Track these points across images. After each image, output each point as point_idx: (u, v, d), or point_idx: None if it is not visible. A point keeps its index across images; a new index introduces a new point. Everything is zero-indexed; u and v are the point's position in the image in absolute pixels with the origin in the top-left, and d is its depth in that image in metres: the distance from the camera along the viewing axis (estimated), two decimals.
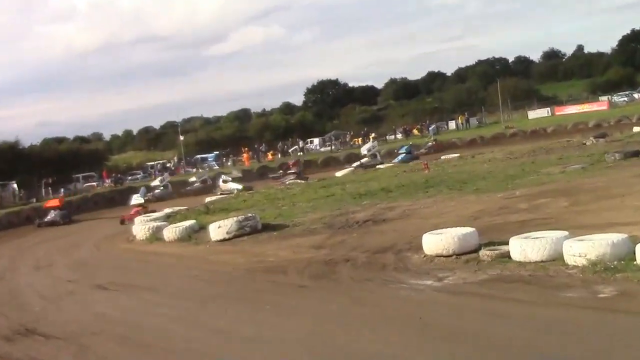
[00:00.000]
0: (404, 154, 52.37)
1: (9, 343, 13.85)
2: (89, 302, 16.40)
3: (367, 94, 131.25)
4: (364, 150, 54.73)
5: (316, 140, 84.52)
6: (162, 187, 51.87)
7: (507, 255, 12.40)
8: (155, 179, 62.70)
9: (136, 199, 38.04)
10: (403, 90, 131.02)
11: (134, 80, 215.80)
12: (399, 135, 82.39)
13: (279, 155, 74.00)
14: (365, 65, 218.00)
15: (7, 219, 43.52)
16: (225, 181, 47.77)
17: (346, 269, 14.68)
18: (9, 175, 59.07)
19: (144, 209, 35.79)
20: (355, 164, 51.19)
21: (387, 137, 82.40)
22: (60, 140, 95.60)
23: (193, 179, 55.15)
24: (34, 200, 52.33)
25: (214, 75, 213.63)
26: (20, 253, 28.66)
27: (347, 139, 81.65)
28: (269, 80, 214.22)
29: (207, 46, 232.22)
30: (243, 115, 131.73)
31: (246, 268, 16.54)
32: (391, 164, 47.57)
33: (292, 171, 49.46)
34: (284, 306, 12.78)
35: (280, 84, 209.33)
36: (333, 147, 75.90)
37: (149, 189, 50.32)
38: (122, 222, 34.30)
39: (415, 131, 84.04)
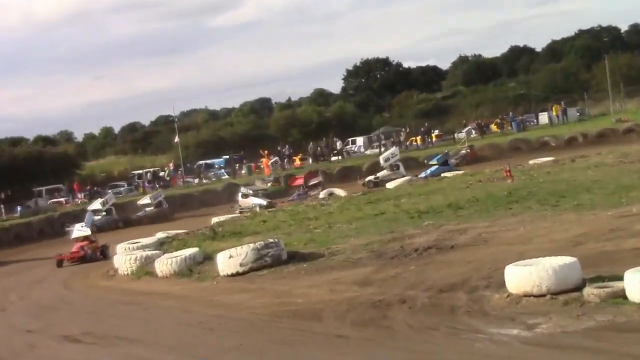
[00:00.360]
0: (436, 166, 51.63)
1: None
2: (56, 359, 16.54)
3: (429, 78, 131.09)
4: (381, 160, 54.58)
5: (360, 140, 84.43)
6: (103, 213, 50.71)
7: (621, 295, 12.26)
8: (144, 194, 62.88)
9: (79, 230, 35.93)
10: (476, 72, 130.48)
11: (115, 61, 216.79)
12: (472, 133, 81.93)
13: (310, 160, 74.07)
14: (425, 38, 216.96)
15: None
16: (245, 195, 47.74)
17: (402, 313, 14.64)
18: None
19: (90, 243, 35.32)
20: (368, 179, 52.26)
21: (456, 134, 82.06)
22: (15, 142, 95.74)
23: (145, 200, 54.98)
24: None
25: (222, 54, 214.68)
26: None
27: (402, 138, 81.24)
28: (297, 60, 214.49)
29: (213, 15, 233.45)
30: (262, 107, 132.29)
31: (267, 312, 16.57)
32: (416, 178, 47.81)
33: (315, 182, 49.40)
34: None
35: (312, 65, 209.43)
36: (382, 149, 75.70)
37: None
38: (60, 263, 34.06)
39: (493, 126, 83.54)
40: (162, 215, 51.67)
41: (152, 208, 53.27)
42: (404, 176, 49.30)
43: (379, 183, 49.37)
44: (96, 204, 50.72)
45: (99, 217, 48.68)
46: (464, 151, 62.22)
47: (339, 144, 79.36)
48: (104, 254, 33.98)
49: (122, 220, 51.25)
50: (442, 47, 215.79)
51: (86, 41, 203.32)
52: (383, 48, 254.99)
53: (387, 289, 16.49)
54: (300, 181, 51.95)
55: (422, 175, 49.40)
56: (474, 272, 16.24)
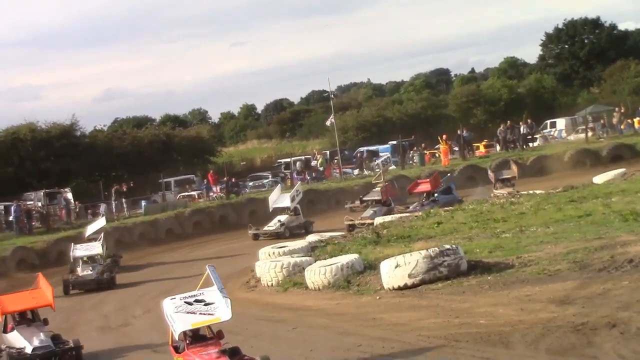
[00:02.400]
0: (375, 208, 44.29)
1: None
2: None
3: None
4: (274, 199, 46.70)
5: (561, 122, 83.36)
6: (95, 256, 37.27)
7: None
8: (292, 187, 63.19)
9: None
10: None
11: (255, 25, 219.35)
12: None
13: (497, 148, 73.39)
14: None
15: (57, 248, 45.40)
16: (503, 180, 46.97)
17: (611, 340, 14.55)
18: (62, 178, 61.31)
19: None
20: (266, 228, 44.37)
21: None
22: (140, 123, 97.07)
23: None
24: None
25: (389, 14, 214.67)
26: (80, 305, 29.94)
27: (616, 120, 79.74)
28: (482, 22, 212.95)
29: None
30: (438, 81, 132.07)
31: (441, 335, 16.68)
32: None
33: (507, 176, 47.54)
34: None
35: (501, 28, 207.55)
36: (590, 134, 74.56)
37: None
38: None
39: None
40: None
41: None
42: (305, 226, 44.85)
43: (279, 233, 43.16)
44: (80, 249, 38.50)
45: (87, 272, 36.04)
46: (378, 187, 49.52)
47: (523, 128, 76.98)
48: None
49: (115, 267, 38.70)
50: None
51: (218, 1, 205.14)
52: (593, 5, 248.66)
53: (592, 309, 16.40)
54: (425, 187, 45.49)
55: (411, 208, 44.07)
56: None
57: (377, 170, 59.15)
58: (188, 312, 17.45)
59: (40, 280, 22.81)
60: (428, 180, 46.26)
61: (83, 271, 35.09)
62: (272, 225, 43.44)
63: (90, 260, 36.02)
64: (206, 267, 17.66)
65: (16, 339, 21.43)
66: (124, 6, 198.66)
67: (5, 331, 21.96)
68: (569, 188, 40.02)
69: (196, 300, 17.73)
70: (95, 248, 36.98)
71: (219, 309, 17.28)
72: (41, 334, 21.29)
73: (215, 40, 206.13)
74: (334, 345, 17.74)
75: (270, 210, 45.46)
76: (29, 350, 20.87)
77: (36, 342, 20.97)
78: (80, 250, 36.73)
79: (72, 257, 36.68)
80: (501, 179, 46.95)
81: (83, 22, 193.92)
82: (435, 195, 44.73)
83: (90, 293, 33.47)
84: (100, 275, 34.74)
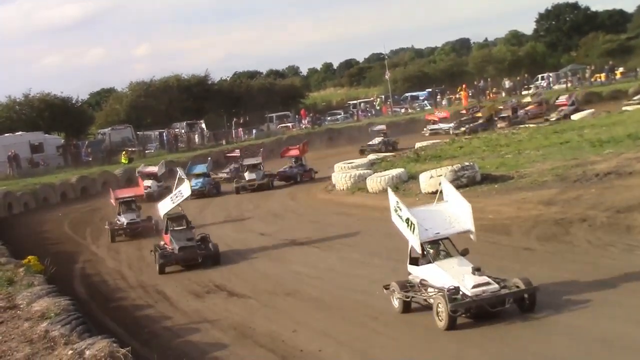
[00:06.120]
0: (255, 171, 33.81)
1: (198, 300, 14.76)
2: (283, 259, 17.10)
3: (615, 20, 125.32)
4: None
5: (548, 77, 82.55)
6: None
7: None
8: (358, 121, 63.08)
9: None
10: None
11: (334, 6, 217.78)
12: None
13: (503, 94, 72.73)
14: None
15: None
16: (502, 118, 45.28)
17: (582, 230, 14.33)
18: (197, 113, 62.17)
19: None
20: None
21: (638, 70, 78.78)
22: (252, 75, 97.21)
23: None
24: (223, 142, 54.58)
25: (429, 0, 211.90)
26: (208, 203, 30.01)
27: (587, 75, 78.81)
28: (494, 5, 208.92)
29: None
30: (461, 47, 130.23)
31: None
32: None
33: (503, 115, 46.79)
34: (506, 272, 12.70)
35: (507, 9, 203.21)
36: (569, 85, 73.54)
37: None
38: None
39: None
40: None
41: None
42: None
43: None
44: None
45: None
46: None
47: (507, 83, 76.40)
48: None
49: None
50: None
51: None
52: None
53: (569, 208, 16.15)
54: (294, 152, 37.28)
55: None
56: None
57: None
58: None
59: None
60: (297, 147, 38.16)
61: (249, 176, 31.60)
62: None
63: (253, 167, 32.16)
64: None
65: (168, 240, 18.40)
66: None
67: None
68: (554, 123, 39.48)
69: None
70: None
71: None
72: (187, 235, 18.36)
73: (305, 16, 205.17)
74: (386, 231, 17.58)
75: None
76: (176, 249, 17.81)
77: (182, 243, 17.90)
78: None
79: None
80: (500, 117, 46.29)
81: (211, 6, 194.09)
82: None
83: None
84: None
